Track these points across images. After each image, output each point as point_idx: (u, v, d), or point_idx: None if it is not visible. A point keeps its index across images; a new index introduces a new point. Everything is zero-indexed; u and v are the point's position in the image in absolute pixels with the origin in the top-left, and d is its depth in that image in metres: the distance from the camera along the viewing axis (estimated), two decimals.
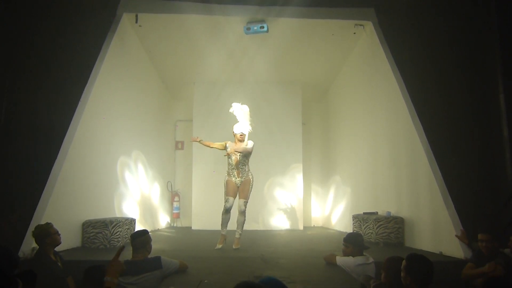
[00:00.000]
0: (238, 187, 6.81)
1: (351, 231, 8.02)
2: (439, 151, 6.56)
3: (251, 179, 6.85)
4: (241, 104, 6.99)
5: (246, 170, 6.83)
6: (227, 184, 6.81)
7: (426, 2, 7.53)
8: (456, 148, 6.87)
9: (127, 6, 8.01)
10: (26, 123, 6.83)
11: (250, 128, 6.86)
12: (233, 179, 6.80)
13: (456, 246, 5.70)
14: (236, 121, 6.93)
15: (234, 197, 6.77)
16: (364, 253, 4.91)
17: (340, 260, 4.96)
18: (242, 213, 6.71)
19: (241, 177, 6.80)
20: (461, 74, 7.17)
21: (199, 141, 7.04)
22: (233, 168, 6.82)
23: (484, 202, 6.61)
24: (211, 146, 7.03)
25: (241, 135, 6.78)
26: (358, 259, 4.79)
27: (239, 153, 6.76)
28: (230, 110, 6.95)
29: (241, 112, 6.89)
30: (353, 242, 4.94)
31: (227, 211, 6.71)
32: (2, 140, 6.67)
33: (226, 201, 6.71)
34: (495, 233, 4.82)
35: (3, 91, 6.81)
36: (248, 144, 6.83)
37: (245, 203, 6.71)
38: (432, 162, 6.41)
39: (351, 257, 4.87)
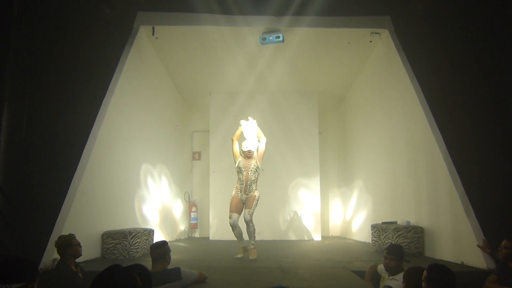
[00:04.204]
0: (243, 203, 6.87)
1: (369, 241, 7.97)
2: (458, 159, 6.47)
3: (257, 196, 6.86)
4: (253, 116, 7.13)
5: (254, 188, 6.88)
6: (232, 200, 6.89)
7: (441, 8, 7.48)
8: (476, 155, 6.78)
9: (144, 19, 8.13)
10: (46, 135, 6.94)
11: (262, 146, 6.95)
12: (239, 195, 6.88)
13: (478, 256, 5.60)
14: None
15: (239, 213, 6.84)
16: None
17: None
18: (248, 222, 6.72)
19: (247, 194, 6.85)
20: (480, 79, 7.08)
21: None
22: (242, 184, 6.89)
23: (507, 210, 6.49)
24: (234, 141, 7.05)
25: (248, 152, 6.86)
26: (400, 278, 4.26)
27: (248, 170, 6.84)
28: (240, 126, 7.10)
29: (248, 128, 7.01)
30: (399, 255, 4.54)
31: (233, 227, 6.77)
32: (23, 152, 6.79)
33: (229, 217, 6.79)
34: None
35: (24, 104, 6.94)
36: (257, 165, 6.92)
37: (250, 212, 6.73)
38: (451, 170, 6.33)
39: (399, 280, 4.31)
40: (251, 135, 6.96)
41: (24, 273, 2.70)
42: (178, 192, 10.88)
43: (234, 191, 6.95)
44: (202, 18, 8.01)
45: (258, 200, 6.86)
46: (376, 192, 9.38)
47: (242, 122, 7.08)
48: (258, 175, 6.93)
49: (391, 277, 4.48)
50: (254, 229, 6.79)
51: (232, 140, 7.06)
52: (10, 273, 2.65)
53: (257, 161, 6.88)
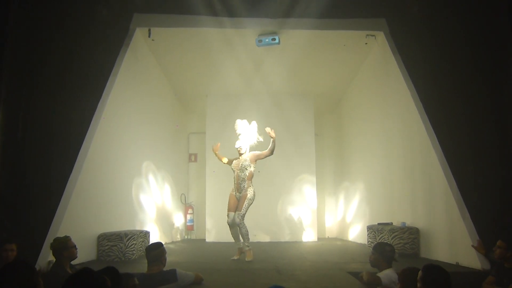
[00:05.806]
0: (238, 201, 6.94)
1: (365, 242, 7.99)
2: (453, 160, 6.49)
3: (248, 195, 6.86)
4: (247, 118, 7.27)
5: (245, 186, 6.89)
6: (229, 199, 6.98)
7: (437, 11, 7.50)
8: (471, 157, 6.79)
9: (140, 20, 8.12)
10: (42, 136, 6.91)
11: (253, 141, 7.08)
12: (234, 193, 6.96)
13: (473, 257, 5.63)
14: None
15: (235, 212, 6.88)
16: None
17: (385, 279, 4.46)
18: (239, 225, 6.74)
19: (240, 192, 6.90)
20: (476, 81, 7.09)
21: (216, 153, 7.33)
22: (235, 182, 6.98)
23: (501, 211, 6.50)
24: (221, 159, 7.27)
25: (239, 149, 7.00)
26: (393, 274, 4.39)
27: (238, 169, 6.91)
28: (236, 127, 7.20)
29: (241, 128, 7.10)
30: (380, 252, 4.66)
31: (230, 226, 6.83)
32: (18, 153, 6.76)
33: (227, 216, 6.87)
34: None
35: (19, 105, 6.91)
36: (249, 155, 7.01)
37: (239, 215, 6.74)
38: (447, 171, 6.36)
39: (390, 272, 4.48)
40: (244, 132, 7.05)
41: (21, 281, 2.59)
42: (174, 194, 10.87)
43: (231, 190, 7.02)
44: (198, 20, 8.00)
45: (251, 200, 6.87)
46: (372, 194, 9.40)
47: (238, 121, 7.19)
48: (249, 173, 6.91)
49: (377, 274, 4.58)
50: (247, 231, 6.79)
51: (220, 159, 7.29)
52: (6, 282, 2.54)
53: (249, 160, 6.91)
